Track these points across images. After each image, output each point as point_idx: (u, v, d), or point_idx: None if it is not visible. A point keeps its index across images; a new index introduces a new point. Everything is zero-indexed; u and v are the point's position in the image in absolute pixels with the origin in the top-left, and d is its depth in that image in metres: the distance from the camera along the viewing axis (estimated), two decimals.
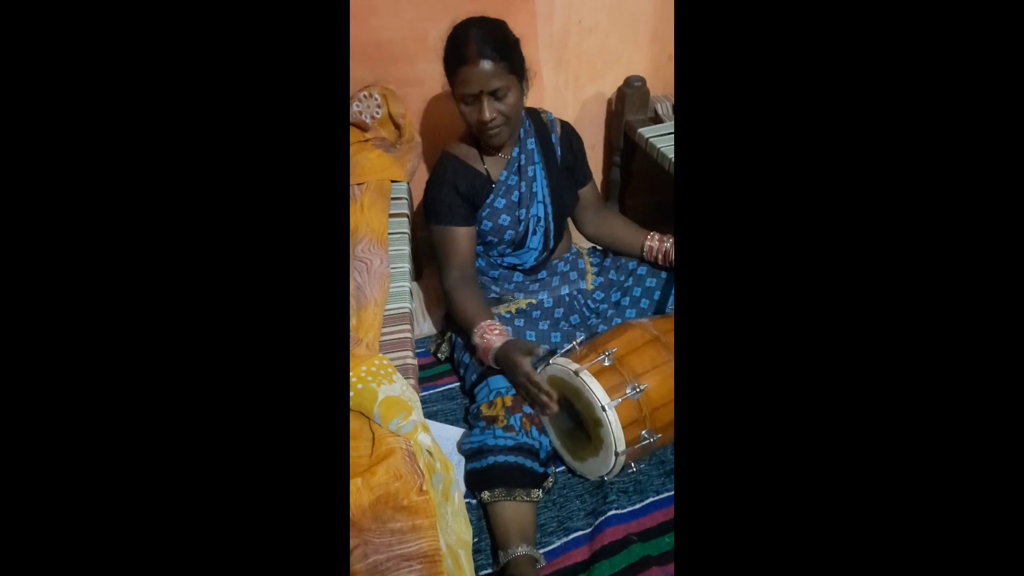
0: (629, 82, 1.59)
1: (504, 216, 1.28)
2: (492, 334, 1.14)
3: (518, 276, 1.37)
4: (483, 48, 1.08)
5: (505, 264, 1.36)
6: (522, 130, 1.28)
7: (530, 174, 1.29)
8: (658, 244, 1.36)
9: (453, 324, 1.35)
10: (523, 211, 1.29)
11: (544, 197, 1.31)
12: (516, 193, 1.28)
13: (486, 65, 1.08)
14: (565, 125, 1.38)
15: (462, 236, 1.24)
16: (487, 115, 1.12)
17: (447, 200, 1.23)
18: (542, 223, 1.32)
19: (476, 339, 1.16)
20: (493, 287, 1.36)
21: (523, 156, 1.28)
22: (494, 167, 1.28)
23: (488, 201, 1.26)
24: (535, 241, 1.33)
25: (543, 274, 1.38)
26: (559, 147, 1.34)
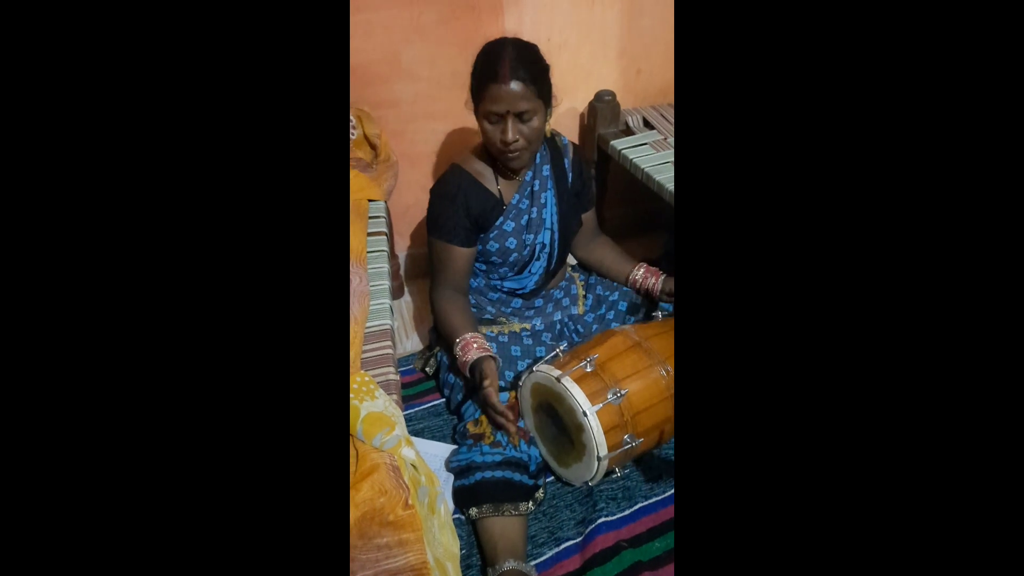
0: (600, 96, 1.62)
1: (511, 239, 1.27)
2: (472, 347, 1.14)
3: (516, 302, 1.37)
4: (516, 68, 1.06)
5: (505, 288, 1.35)
6: (539, 155, 1.27)
7: (542, 201, 1.28)
8: (642, 277, 1.36)
9: (441, 340, 1.35)
10: (530, 236, 1.28)
11: (552, 224, 1.30)
12: (526, 217, 1.27)
13: (516, 86, 1.06)
14: (577, 149, 1.37)
15: (461, 256, 1.24)
16: (510, 136, 1.10)
17: (454, 219, 1.21)
18: (547, 249, 1.32)
19: (457, 351, 1.16)
20: (489, 308, 1.35)
21: (536, 181, 1.27)
22: (507, 189, 1.26)
23: (497, 223, 1.25)
24: (537, 267, 1.33)
25: (539, 301, 1.38)
26: (571, 172, 1.34)
